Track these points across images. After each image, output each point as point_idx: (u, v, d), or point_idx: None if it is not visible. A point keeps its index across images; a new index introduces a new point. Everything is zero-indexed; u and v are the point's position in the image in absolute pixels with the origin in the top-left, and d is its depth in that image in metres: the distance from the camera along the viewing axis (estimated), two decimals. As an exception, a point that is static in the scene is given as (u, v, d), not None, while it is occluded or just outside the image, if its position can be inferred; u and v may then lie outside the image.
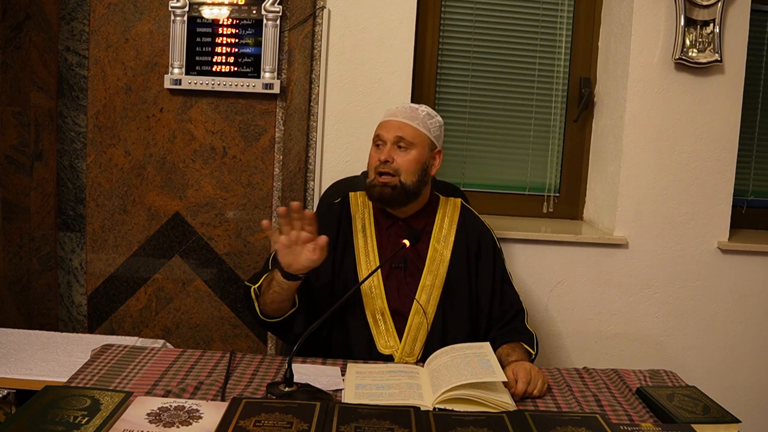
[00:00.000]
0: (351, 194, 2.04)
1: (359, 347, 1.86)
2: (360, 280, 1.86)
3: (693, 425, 1.43)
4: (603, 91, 2.71)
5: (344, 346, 1.87)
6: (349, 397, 1.50)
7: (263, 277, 1.79)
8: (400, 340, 1.85)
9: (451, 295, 1.91)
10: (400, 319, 1.87)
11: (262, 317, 1.79)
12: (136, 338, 2.20)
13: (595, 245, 2.58)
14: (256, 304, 1.79)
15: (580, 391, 1.63)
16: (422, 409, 1.41)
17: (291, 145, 2.48)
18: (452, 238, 1.97)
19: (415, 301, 1.87)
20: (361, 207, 2.00)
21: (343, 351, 1.86)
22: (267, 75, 2.44)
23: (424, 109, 1.98)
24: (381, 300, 1.87)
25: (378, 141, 1.94)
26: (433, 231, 1.97)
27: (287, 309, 1.78)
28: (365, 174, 2.23)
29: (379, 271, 1.88)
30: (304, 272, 1.68)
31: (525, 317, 1.94)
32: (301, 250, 1.64)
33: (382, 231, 1.96)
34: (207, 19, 2.43)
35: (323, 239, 1.63)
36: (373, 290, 1.88)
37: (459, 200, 2.07)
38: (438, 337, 1.85)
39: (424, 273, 1.91)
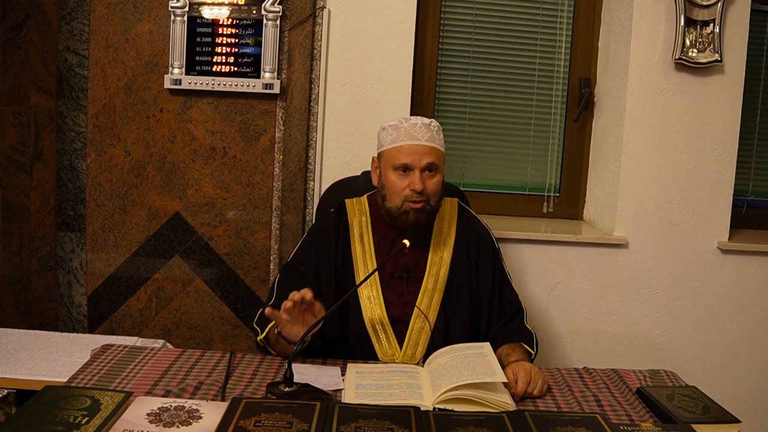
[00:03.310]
0: (347, 201, 2.02)
1: (360, 358, 1.83)
2: (359, 289, 1.84)
3: (693, 425, 1.43)
4: (603, 91, 2.71)
5: (344, 357, 1.84)
6: (349, 397, 1.50)
7: (269, 327, 1.76)
8: (401, 347, 1.84)
9: (452, 296, 1.90)
10: (400, 326, 1.86)
11: (272, 353, 1.81)
12: (136, 338, 2.20)
13: (595, 245, 2.58)
14: (265, 349, 1.81)
15: (580, 391, 1.63)
16: (422, 409, 1.41)
17: (291, 145, 2.48)
18: (452, 240, 1.96)
19: (416, 308, 1.86)
20: (358, 214, 1.98)
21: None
22: (267, 75, 2.44)
23: (434, 124, 1.92)
24: (380, 309, 1.85)
25: (404, 168, 1.87)
26: (433, 234, 1.96)
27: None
28: (366, 174, 2.22)
29: (378, 281, 1.87)
30: None
31: (524, 317, 1.94)
32: (303, 321, 1.66)
33: (381, 238, 1.94)
34: (207, 19, 2.43)
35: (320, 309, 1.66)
36: (372, 300, 1.87)
37: (456, 199, 2.06)
38: (440, 340, 1.84)
39: (425, 277, 1.90)
